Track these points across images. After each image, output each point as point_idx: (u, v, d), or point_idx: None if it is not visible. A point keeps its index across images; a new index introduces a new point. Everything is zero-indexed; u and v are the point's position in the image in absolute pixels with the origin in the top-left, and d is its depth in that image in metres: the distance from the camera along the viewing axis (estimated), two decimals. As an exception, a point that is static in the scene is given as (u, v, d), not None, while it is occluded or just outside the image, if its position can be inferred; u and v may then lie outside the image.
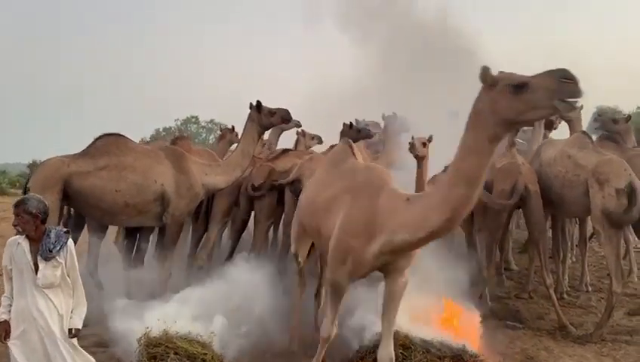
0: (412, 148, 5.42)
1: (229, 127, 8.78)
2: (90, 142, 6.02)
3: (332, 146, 6.81)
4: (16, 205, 3.52)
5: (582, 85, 2.88)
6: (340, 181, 4.28)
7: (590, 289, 7.62)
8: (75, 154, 5.96)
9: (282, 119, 6.75)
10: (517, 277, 8.33)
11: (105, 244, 6.84)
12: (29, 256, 3.49)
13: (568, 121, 8.25)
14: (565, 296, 7.24)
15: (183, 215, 6.08)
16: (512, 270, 8.66)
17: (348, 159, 4.61)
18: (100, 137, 6.04)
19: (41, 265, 3.48)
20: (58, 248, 3.53)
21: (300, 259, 5.18)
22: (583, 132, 6.78)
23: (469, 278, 5.74)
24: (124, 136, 6.11)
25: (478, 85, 3.21)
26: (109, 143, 5.96)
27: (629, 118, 9.17)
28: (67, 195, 5.71)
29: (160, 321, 4.63)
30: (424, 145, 5.44)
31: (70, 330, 3.57)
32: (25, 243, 3.52)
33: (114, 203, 5.72)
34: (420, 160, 5.44)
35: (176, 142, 6.76)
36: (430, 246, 5.53)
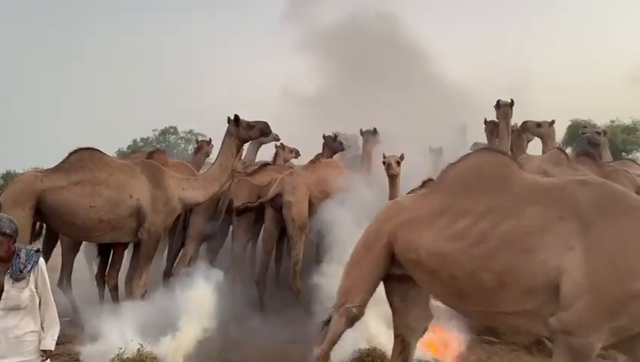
0: (387, 166, 5.55)
1: (207, 138, 8.74)
2: (65, 155, 5.91)
3: (314, 160, 6.80)
4: None
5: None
6: (531, 204, 3.13)
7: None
8: (48, 169, 5.85)
9: (261, 132, 6.72)
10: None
11: (78, 261, 6.71)
12: None
13: (541, 138, 8.40)
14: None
15: (159, 230, 5.98)
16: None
17: (513, 174, 3.43)
18: (75, 152, 5.93)
19: (7, 285, 3.34)
20: (29, 268, 3.40)
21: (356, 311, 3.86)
22: (559, 148, 6.91)
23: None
24: (98, 151, 6.01)
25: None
26: (83, 158, 5.86)
27: (605, 132, 9.46)
28: (40, 211, 5.60)
29: (134, 341, 4.56)
30: (397, 163, 5.60)
31: (44, 352, 3.44)
32: None
33: (88, 219, 5.61)
34: (393, 178, 5.57)
35: (152, 156, 6.67)
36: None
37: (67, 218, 5.60)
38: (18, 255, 3.41)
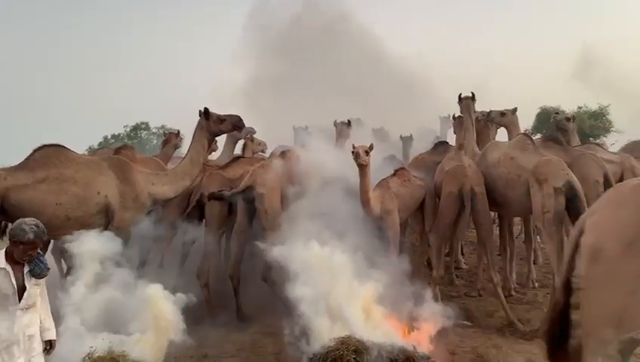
0: (355, 156, 5.60)
1: (175, 131, 8.60)
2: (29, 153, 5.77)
3: (283, 153, 6.77)
4: (36, 235, 3.50)
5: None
6: None
7: (537, 285, 7.87)
8: (12, 167, 5.70)
9: (233, 126, 6.67)
10: (466, 275, 8.53)
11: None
12: (13, 281, 3.47)
13: (505, 127, 8.56)
14: (513, 292, 7.45)
15: (128, 227, 5.88)
16: (462, 269, 8.88)
17: None
18: (39, 148, 5.78)
19: (28, 284, 3.52)
20: (48, 266, 3.69)
21: None
22: (525, 134, 7.02)
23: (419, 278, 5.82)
24: (64, 147, 5.87)
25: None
26: (48, 154, 5.72)
27: (573, 118, 9.75)
28: (4, 210, 5.45)
29: (104, 340, 4.49)
30: (366, 153, 5.66)
31: (50, 342, 3.71)
32: (9, 268, 3.49)
33: (54, 216, 5.48)
34: (363, 167, 5.62)
35: (119, 152, 6.55)
36: (380, 249, 5.68)
37: (33, 216, 5.44)
38: (39, 257, 3.62)
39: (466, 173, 6.54)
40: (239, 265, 6.39)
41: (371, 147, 5.71)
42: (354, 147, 5.75)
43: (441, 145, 8.72)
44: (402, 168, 7.10)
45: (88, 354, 4.36)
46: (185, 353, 5.10)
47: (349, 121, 8.62)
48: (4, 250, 3.57)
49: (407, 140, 8.90)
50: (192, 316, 5.51)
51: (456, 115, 8.35)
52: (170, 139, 8.57)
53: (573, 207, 5.72)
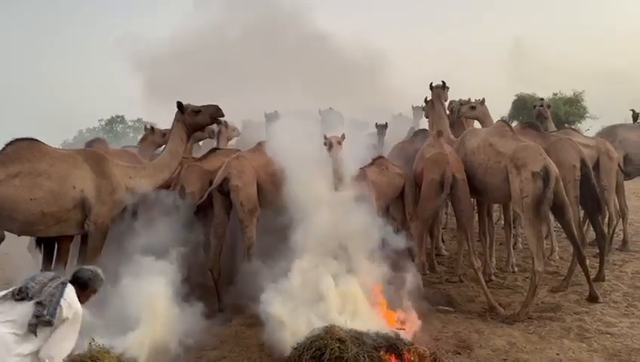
0: (329, 146, 5.65)
1: (148, 127, 8.39)
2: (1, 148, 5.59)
3: (262, 143, 6.70)
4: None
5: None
6: None
7: (516, 269, 8.00)
8: (-17, 163, 5.50)
9: (211, 117, 6.57)
10: (448, 262, 8.61)
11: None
12: None
13: (477, 118, 8.68)
14: (493, 277, 7.56)
15: (105, 221, 5.74)
16: (443, 255, 8.96)
17: None
18: (11, 142, 5.59)
19: None
20: None
21: None
22: (503, 121, 7.09)
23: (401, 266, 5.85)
24: (37, 141, 5.69)
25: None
26: (21, 149, 5.53)
27: (549, 105, 9.94)
28: (-24, 207, 5.28)
29: (88, 338, 4.40)
30: (339, 143, 5.69)
31: None
32: None
33: (29, 212, 5.33)
34: (335, 157, 5.65)
35: (92, 145, 6.40)
36: (362, 235, 5.68)
37: (7, 213, 5.30)
38: None
39: (448, 160, 6.58)
40: (219, 258, 6.34)
41: (343, 137, 5.72)
42: (326, 138, 5.79)
43: (420, 133, 8.79)
44: (380, 157, 7.11)
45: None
46: (166, 346, 5.05)
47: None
48: (74, 291, 3.48)
49: (381, 129, 8.96)
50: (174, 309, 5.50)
51: (427, 98, 8.61)
52: (146, 137, 8.31)
53: (550, 192, 5.80)
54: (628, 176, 9.34)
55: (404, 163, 7.45)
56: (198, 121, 6.44)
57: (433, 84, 8.25)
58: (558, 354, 4.98)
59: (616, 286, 7.08)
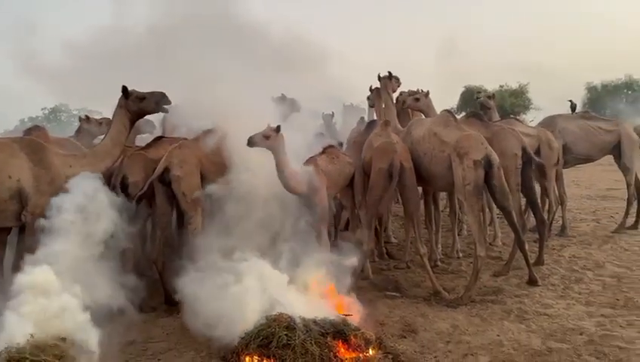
0: (249, 143, 5.56)
1: (83, 116, 8.09)
2: None
3: (205, 132, 6.57)
4: None
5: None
6: None
7: (461, 255, 8.25)
8: None
9: (157, 104, 6.40)
10: (396, 249, 8.78)
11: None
12: None
13: (420, 110, 8.88)
14: (439, 263, 7.77)
15: (44, 213, 5.52)
16: (392, 243, 9.13)
17: None
18: (-60, 131, 5.30)
19: None
20: None
21: None
22: (447, 110, 7.25)
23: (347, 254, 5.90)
24: (-31, 129, 5.41)
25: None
26: (-48, 138, 5.25)
27: (494, 96, 10.26)
28: None
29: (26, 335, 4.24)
30: (267, 137, 5.67)
31: None
32: None
33: (-39, 204, 5.07)
34: (272, 150, 5.59)
35: (30, 133, 6.12)
36: (309, 226, 5.71)
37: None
38: None
39: (395, 149, 6.67)
40: (162, 249, 6.21)
41: (278, 128, 5.66)
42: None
43: (373, 124, 8.86)
44: (331, 146, 7.13)
45: (5, 348, 4.11)
46: (110, 341, 4.93)
47: (283, 96, 8.56)
48: None
49: (327, 117, 9.06)
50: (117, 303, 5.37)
51: (372, 87, 8.89)
52: (80, 128, 7.99)
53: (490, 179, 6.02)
54: (566, 164, 9.77)
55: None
56: (142, 107, 6.26)
57: (381, 75, 8.41)
58: (498, 336, 5.18)
59: (555, 269, 7.42)
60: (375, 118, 9.31)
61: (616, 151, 9.60)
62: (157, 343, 5.23)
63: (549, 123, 9.80)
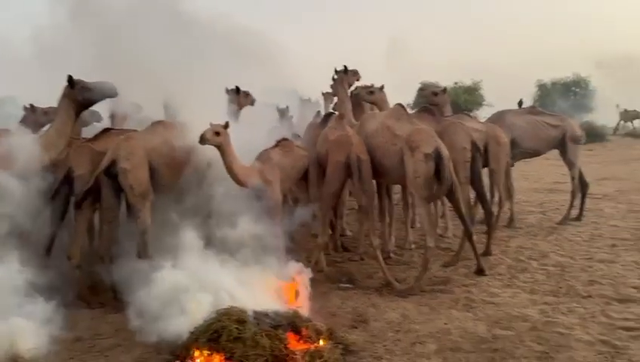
0: (201, 140, 5.53)
1: (28, 106, 7.79)
2: None
3: (155, 123, 6.42)
4: None
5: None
6: None
7: (414, 247, 8.40)
8: None
9: (104, 95, 6.21)
10: (350, 241, 8.87)
11: None
12: None
13: (374, 103, 8.97)
14: (392, 255, 7.90)
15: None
16: (347, 236, 9.21)
17: None
18: None
19: None
20: None
21: None
22: (400, 105, 7.35)
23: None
24: None
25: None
26: None
27: (445, 90, 10.40)
28: None
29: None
30: (217, 133, 5.57)
31: None
32: None
33: None
34: (219, 148, 5.54)
35: (-33, 126, 5.83)
36: (260, 219, 5.69)
37: None
38: None
39: (352, 142, 6.72)
40: (110, 244, 6.05)
41: (226, 125, 5.60)
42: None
43: (328, 117, 8.89)
44: (284, 139, 7.12)
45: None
46: (55, 338, 4.78)
47: (237, 89, 8.45)
48: None
49: (282, 111, 9.06)
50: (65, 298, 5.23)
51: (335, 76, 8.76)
52: (27, 118, 7.68)
53: (440, 172, 6.15)
54: (514, 158, 10.08)
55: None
56: (88, 97, 6.09)
57: (336, 69, 8.46)
58: (446, 324, 5.31)
59: (502, 259, 7.66)
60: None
61: (561, 146, 9.97)
62: (105, 339, 5.11)
63: (498, 118, 10.05)
